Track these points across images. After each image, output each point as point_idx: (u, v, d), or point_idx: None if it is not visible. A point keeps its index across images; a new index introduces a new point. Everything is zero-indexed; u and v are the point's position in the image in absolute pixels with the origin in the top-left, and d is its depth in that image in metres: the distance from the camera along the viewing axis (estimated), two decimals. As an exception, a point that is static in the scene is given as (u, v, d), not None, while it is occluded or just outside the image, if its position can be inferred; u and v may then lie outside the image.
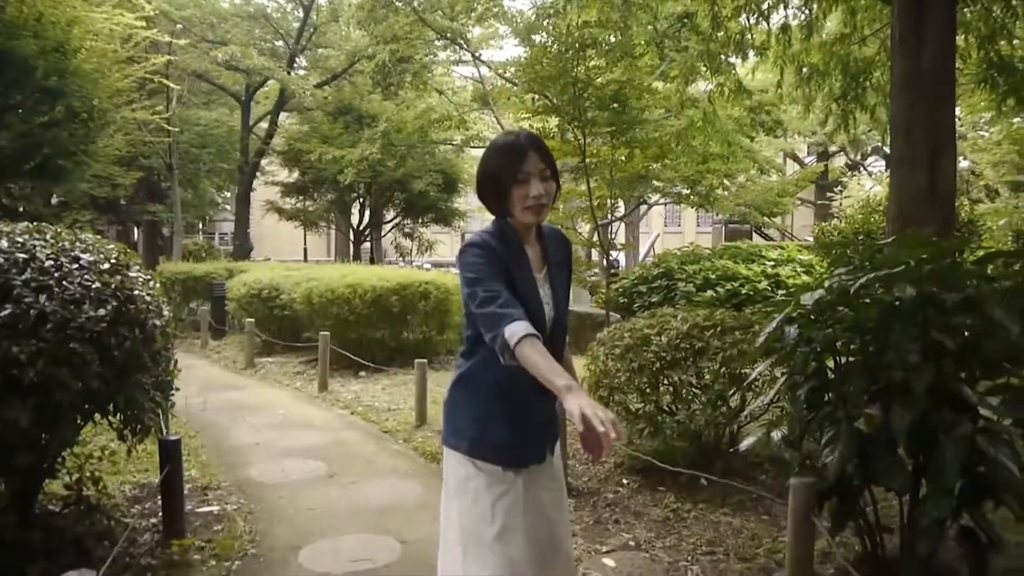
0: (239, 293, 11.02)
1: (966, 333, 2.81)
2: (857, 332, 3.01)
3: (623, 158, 9.09)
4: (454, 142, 18.90)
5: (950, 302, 2.77)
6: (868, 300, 2.93)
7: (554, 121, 10.46)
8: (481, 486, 2.09)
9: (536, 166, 2.09)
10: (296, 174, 20.53)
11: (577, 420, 1.71)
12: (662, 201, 17.10)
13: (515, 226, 2.16)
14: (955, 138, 5.57)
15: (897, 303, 2.82)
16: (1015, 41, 7.50)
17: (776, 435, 3.06)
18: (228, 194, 25.37)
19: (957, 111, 9.91)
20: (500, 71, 15.45)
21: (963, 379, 2.79)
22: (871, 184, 20.62)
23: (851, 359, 3.04)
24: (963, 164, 17.71)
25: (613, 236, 10.79)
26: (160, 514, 3.78)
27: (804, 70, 7.83)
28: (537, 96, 9.81)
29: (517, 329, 1.90)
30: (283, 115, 20.92)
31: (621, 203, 12.97)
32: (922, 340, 2.79)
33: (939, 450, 2.58)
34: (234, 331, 12.44)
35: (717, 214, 19.11)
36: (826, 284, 3.03)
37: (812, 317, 3.06)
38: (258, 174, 21.19)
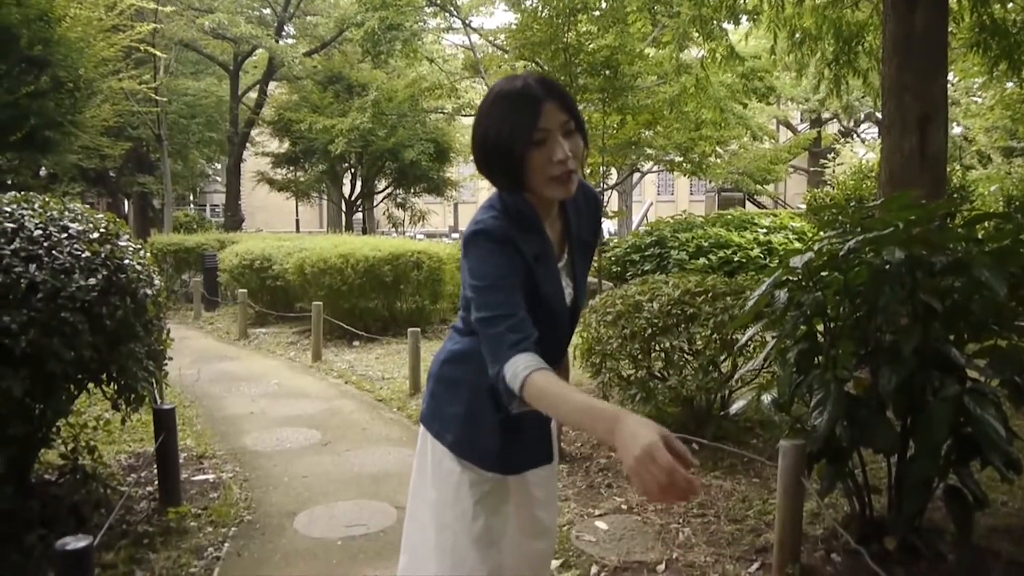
0: (231, 264, 10.98)
1: (954, 296, 2.83)
2: (846, 295, 3.02)
3: (615, 125, 9.05)
4: (445, 111, 18.75)
5: (938, 265, 2.78)
6: (857, 263, 2.94)
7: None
8: (465, 481, 1.73)
9: (557, 119, 1.53)
10: (287, 144, 20.33)
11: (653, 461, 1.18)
12: (655, 169, 17.05)
13: (532, 201, 1.63)
14: (947, 103, 5.57)
15: (886, 266, 2.83)
16: (1009, 4, 7.45)
17: (766, 398, 3.09)
18: (218, 165, 25.14)
19: (950, 76, 9.87)
20: (491, 38, 15.31)
21: (951, 341, 2.82)
22: (864, 151, 20.60)
23: (840, 322, 3.06)
24: (956, 130, 17.69)
25: (606, 204, 10.77)
26: (156, 482, 3.81)
27: (797, 35, 7.77)
28: (528, 62, 9.73)
29: (519, 366, 1.44)
30: (272, 84, 20.67)
31: (614, 171, 12.93)
32: (910, 302, 2.82)
33: (927, 411, 2.62)
34: (227, 302, 12.42)
35: (710, 182, 19.08)
36: (815, 247, 3.04)
37: (801, 281, 3.07)
38: (248, 145, 20.99)
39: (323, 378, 7.12)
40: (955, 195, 10.54)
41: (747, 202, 23.80)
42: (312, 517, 3.72)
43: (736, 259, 8.01)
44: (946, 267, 2.78)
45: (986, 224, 3.37)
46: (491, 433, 1.71)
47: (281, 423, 5.48)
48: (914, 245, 2.80)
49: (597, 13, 8.77)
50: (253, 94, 20.79)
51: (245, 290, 9.97)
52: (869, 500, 3.07)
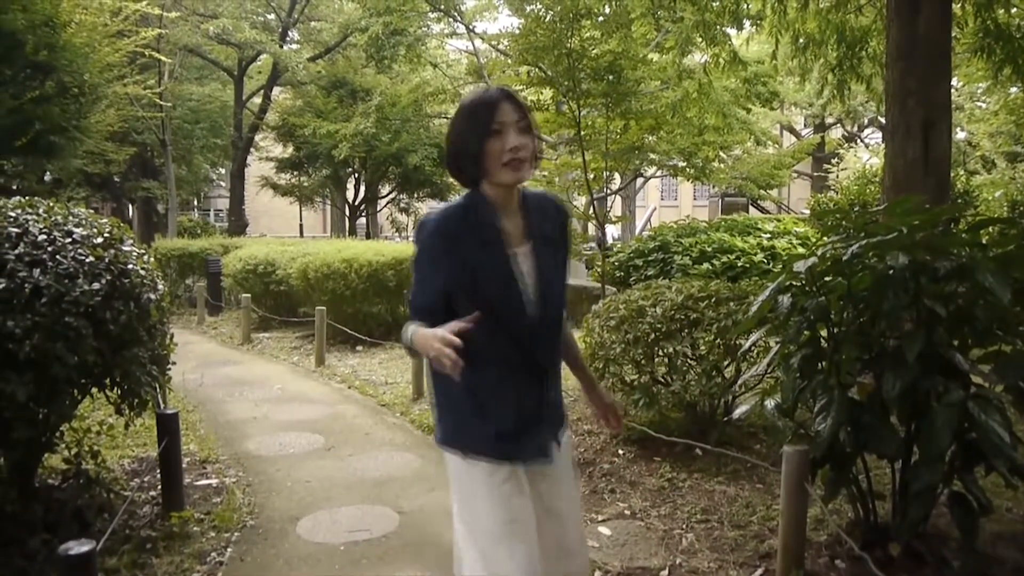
0: (235, 269, 11.00)
1: (958, 301, 2.82)
2: (850, 300, 3.02)
3: (618, 130, 9.04)
4: (448, 116, 18.78)
5: (942, 270, 2.78)
6: (861, 268, 2.94)
7: (548, 93, 10.37)
8: (479, 477, 1.91)
9: (511, 116, 1.88)
10: (291, 149, 20.39)
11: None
12: (658, 174, 17.05)
13: (489, 195, 1.93)
14: (951, 107, 5.56)
15: (890, 271, 2.83)
16: (1013, 9, 7.44)
17: (769, 404, 3.08)
18: (223, 170, 25.20)
19: (954, 81, 9.85)
20: (494, 43, 15.34)
21: (955, 346, 2.81)
22: (868, 156, 20.57)
23: (844, 327, 3.06)
24: (960, 135, 17.66)
25: (609, 209, 10.77)
26: (159, 487, 3.81)
27: (800, 40, 7.77)
28: (531, 68, 9.74)
29: (410, 329, 1.87)
30: (276, 90, 20.73)
31: (617, 176, 12.93)
32: (914, 308, 2.81)
33: (931, 417, 2.61)
34: (230, 307, 12.44)
35: (713, 187, 19.06)
36: (819, 252, 3.03)
37: (805, 286, 3.07)
38: (252, 150, 21.04)
39: (326, 383, 7.12)
40: (959, 200, 10.51)
41: (751, 207, 23.79)
42: (315, 522, 3.72)
43: (739, 264, 7.99)
44: (950, 272, 2.77)
45: (990, 229, 3.37)
46: (493, 413, 1.93)
47: (284, 428, 5.48)
48: (918, 250, 2.79)
49: (601, 18, 8.78)
50: (257, 99, 20.84)
51: (249, 295, 9.97)
52: (873, 506, 3.06)
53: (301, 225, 33.09)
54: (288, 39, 20.24)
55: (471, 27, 16.11)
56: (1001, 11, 6.84)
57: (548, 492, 2.01)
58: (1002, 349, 2.77)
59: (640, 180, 18.10)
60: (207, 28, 17.23)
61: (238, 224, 19.55)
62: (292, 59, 18.46)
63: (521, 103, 1.91)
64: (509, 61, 13.95)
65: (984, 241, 2.90)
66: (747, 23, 8.52)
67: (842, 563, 2.99)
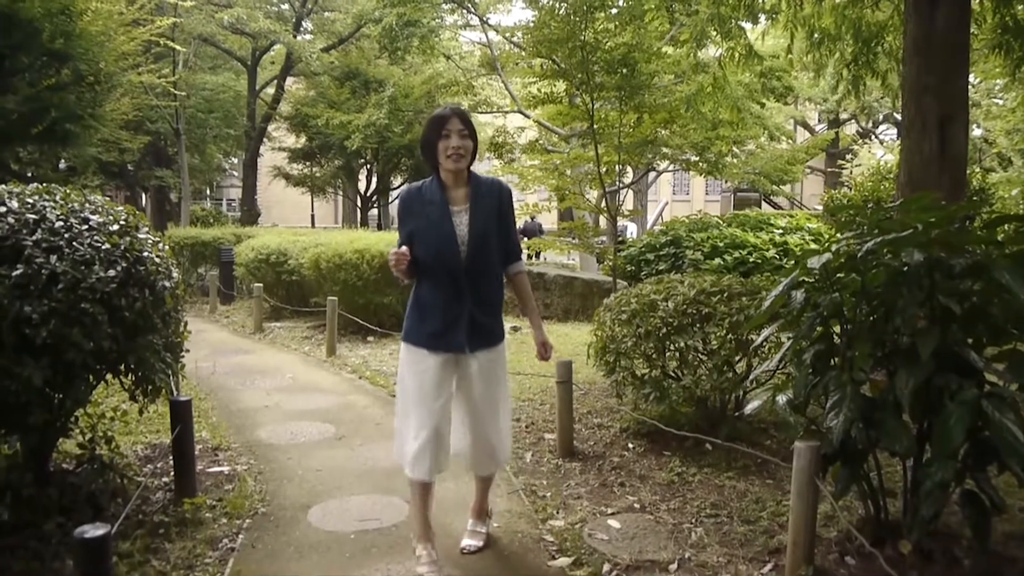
0: (247, 258, 11.05)
1: (973, 299, 2.80)
2: (864, 297, 3.00)
3: (631, 123, 9.02)
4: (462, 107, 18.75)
5: (958, 267, 2.76)
6: (875, 265, 2.92)
7: (562, 85, 10.35)
8: (411, 360, 3.06)
9: (456, 126, 2.93)
10: (303, 140, 20.43)
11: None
12: (671, 168, 16.99)
13: (442, 175, 3.02)
14: (967, 104, 5.51)
15: (904, 268, 2.81)
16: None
17: (781, 399, 3.07)
18: (235, 160, 25.28)
19: (971, 77, 9.75)
20: (508, 35, 15.29)
21: (969, 344, 2.79)
22: (882, 152, 20.42)
23: (857, 324, 3.04)
24: (976, 132, 17.51)
25: (621, 203, 10.73)
26: (172, 473, 3.84)
27: (815, 35, 7.71)
28: (545, 60, 9.71)
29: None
30: (290, 80, 20.77)
31: (629, 170, 12.90)
32: (928, 305, 2.80)
33: (944, 414, 2.59)
34: (242, 296, 12.51)
35: (726, 182, 18.97)
36: (833, 248, 3.02)
37: (818, 282, 3.06)
38: (265, 140, 21.11)
39: (337, 372, 7.15)
40: (975, 197, 10.43)
41: (763, 203, 23.66)
42: (326, 510, 3.74)
43: (751, 260, 7.97)
44: (965, 269, 2.75)
45: (1006, 227, 3.34)
46: (426, 319, 3.02)
47: (295, 417, 5.51)
48: (933, 247, 2.77)
49: (615, 11, 8.74)
50: (271, 89, 20.90)
51: (261, 284, 10.03)
52: (884, 503, 3.05)
53: (313, 215, 33.19)
54: (302, 29, 20.27)
55: (485, 19, 16.09)
56: (1020, 7, 6.77)
57: (468, 385, 3.06)
58: (1017, 347, 2.75)
59: (652, 174, 18.06)
60: (221, 17, 17.27)
61: (250, 214, 19.63)
62: (306, 49, 18.49)
63: (466, 117, 2.99)
64: (523, 53, 13.93)
65: (1000, 239, 2.87)
66: (762, 17, 8.46)
67: (852, 560, 2.98)
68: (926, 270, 2.77)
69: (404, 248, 2.89)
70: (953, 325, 2.76)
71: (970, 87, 7.95)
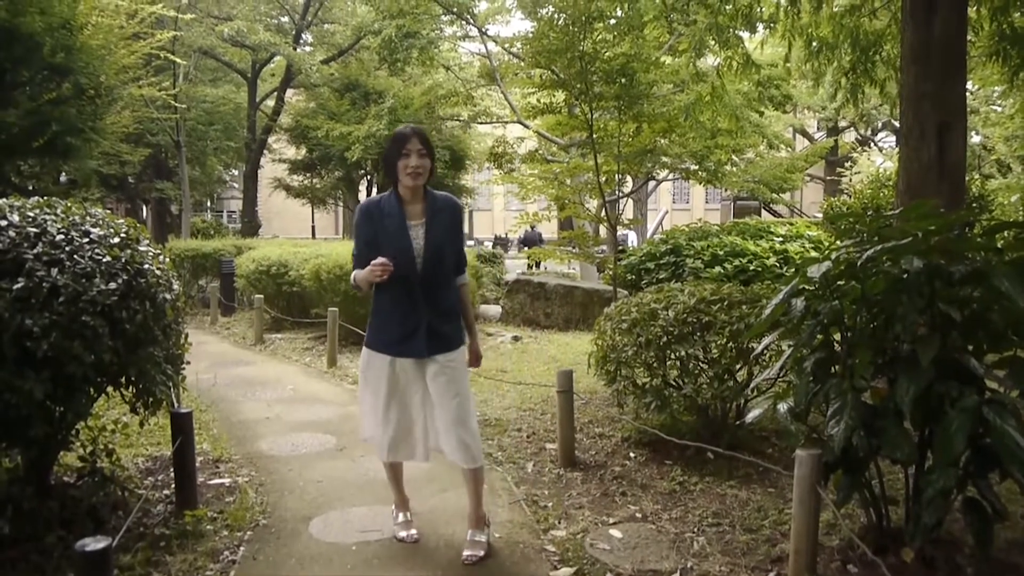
0: (248, 270, 11.06)
1: (973, 305, 2.81)
2: (864, 304, 3.01)
3: (630, 132, 9.03)
4: (461, 118, 18.81)
5: (957, 274, 2.76)
6: (875, 272, 2.93)
7: (561, 96, 10.37)
8: (371, 365, 3.31)
9: (415, 146, 3.15)
10: (303, 151, 20.48)
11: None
12: (670, 177, 17.02)
13: (401, 190, 3.24)
14: (965, 111, 5.52)
15: (904, 275, 2.81)
16: (1030, 13, 7.38)
17: (782, 407, 3.07)
18: (236, 172, 25.35)
19: (969, 84, 9.78)
20: (507, 46, 15.34)
21: (970, 351, 2.79)
22: (881, 159, 20.46)
23: (857, 331, 3.04)
24: (975, 138, 17.54)
25: (620, 212, 10.75)
26: (173, 486, 3.83)
27: (813, 44, 7.74)
28: (544, 70, 9.74)
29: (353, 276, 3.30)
30: (290, 92, 20.84)
31: (629, 179, 12.92)
32: (929, 312, 2.80)
33: (945, 421, 2.59)
34: (243, 308, 12.51)
35: (726, 190, 18.99)
36: (833, 256, 3.02)
37: (818, 290, 3.06)
38: (265, 151, 21.16)
39: (338, 384, 7.15)
40: (974, 204, 10.44)
41: (763, 211, 23.69)
42: (327, 522, 3.73)
43: (752, 268, 7.97)
44: (965, 277, 2.75)
45: (1006, 234, 3.34)
46: (385, 327, 3.28)
47: (296, 428, 5.50)
48: (932, 254, 2.78)
49: (613, 21, 8.77)
50: (271, 101, 20.97)
51: (261, 296, 10.03)
52: (886, 511, 3.04)
53: (313, 227, 33.23)
54: (302, 41, 20.35)
55: (484, 30, 16.16)
56: (1017, 15, 6.80)
57: (430, 386, 3.22)
58: (1017, 354, 2.75)
59: (652, 183, 18.08)
60: (221, 30, 17.35)
61: (251, 225, 19.66)
62: (305, 61, 18.57)
63: (424, 137, 3.20)
64: (522, 64, 13.98)
65: (1000, 245, 2.88)
66: (760, 26, 8.48)
67: (855, 568, 2.97)
68: (926, 277, 2.78)
69: (383, 259, 3.07)
70: (953, 332, 2.76)
71: (968, 94, 7.98)
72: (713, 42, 8.05)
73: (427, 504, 3.92)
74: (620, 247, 9.27)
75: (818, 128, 26.91)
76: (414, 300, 3.19)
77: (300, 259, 9.94)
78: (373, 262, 3.06)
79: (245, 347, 9.54)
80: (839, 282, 3.03)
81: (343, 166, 18.82)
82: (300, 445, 5.09)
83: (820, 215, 15.68)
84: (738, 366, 4.33)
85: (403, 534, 3.49)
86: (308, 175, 21.57)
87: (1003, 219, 10.68)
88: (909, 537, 2.86)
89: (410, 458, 3.40)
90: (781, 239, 8.83)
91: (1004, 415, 2.52)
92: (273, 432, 5.41)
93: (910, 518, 2.89)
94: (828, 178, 23.59)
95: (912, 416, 2.79)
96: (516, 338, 8.61)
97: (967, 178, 6.36)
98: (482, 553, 3.27)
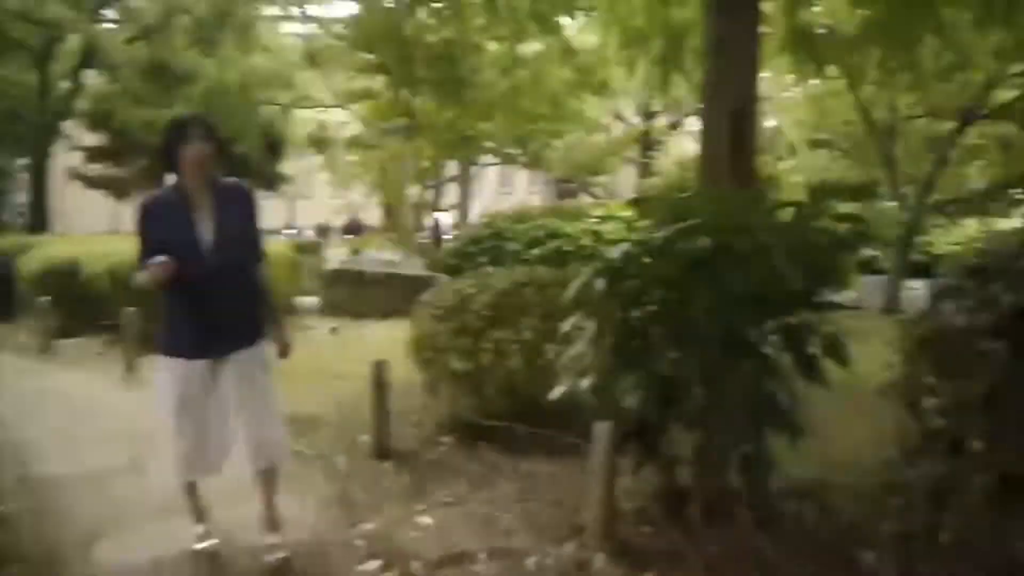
0: (33, 270, 9.95)
1: (754, 280, 2.98)
2: (660, 283, 3.13)
3: (451, 118, 9.00)
4: (280, 102, 18.00)
5: (742, 252, 2.93)
6: (670, 252, 3.06)
7: (383, 80, 10.15)
8: (169, 368, 3.03)
9: (197, 132, 2.90)
10: (105, 138, 18.75)
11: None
12: (492, 162, 17.21)
13: (183, 181, 2.95)
14: (756, 99, 5.91)
15: (695, 254, 2.96)
16: (814, 9, 8.00)
17: (584, 383, 3.15)
18: (22, 162, 22.79)
19: (765, 73, 10.51)
20: (329, 29, 14.83)
21: (751, 320, 2.98)
22: (690, 142, 21.72)
23: (654, 308, 3.17)
24: (771, 123, 19.00)
25: (441, 198, 10.70)
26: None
27: (628, 33, 7.98)
28: (367, 54, 9.49)
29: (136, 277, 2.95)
30: (91, 73, 18.99)
31: (452, 165, 12.91)
32: (716, 287, 2.95)
33: (724, 387, 2.75)
34: (28, 313, 11.20)
35: (548, 173, 19.43)
36: (632, 238, 3.15)
37: (620, 270, 3.16)
38: (63, 139, 19.20)
39: (135, 391, 6.51)
40: (767, 185, 11.29)
41: (582, 194, 24.46)
42: (117, 543, 3.40)
43: (567, 249, 8.19)
44: (748, 253, 2.92)
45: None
46: (185, 328, 3.00)
47: (85, 444, 4.94)
48: (721, 234, 2.93)
49: (438, 5, 8.65)
50: (65, 83, 19.01)
51: (48, 298, 9.04)
52: (675, 473, 3.20)
53: (116, 222, 30.62)
54: (103, 17, 18.59)
55: (302, 10, 15.53)
56: (804, 14, 7.34)
57: (231, 385, 3.01)
58: (788, 322, 2.95)
59: (475, 168, 18.21)
60: (3, 2, 15.49)
61: (40, 220, 17.82)
62: (107, 40, 16.95)
63: (206, 122, 2.99)
64: (345, 47, 13.56)
65: (784, 224, 3.09)
66: (580, 14, 8.66)
67: (649, 528, 3.11)
68: (712, 255, 2.93)
69: (163, 258, 2.78)
70: (736, 305, 2.92)
71: (766, 81, 8.56)
72: (534, 27, 8.14)
73: (227, 513, 3.64)
74: (440, 233, 9.22)
75: (636, 112, 28.18)
76: (206, 298, 2.96)
77: (94, 256, 9.07)
78: (150, 262, 2.78)
79: (29, 357, 8.53)
80: (643, 260, 3.14)
81: (149, 154, 17.42)
82: (88, 462, 4.59)
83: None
84: (548, 346, 4.37)
85: (201, 545, 3.25)
86: (110, 164, 19.77)
87: (790, 198, 11.65)
88: (696, 494, 3.02)
89: (208, 473, 3.15)
90: (597, 220, 9.12)
91: (776, 381, 2.71)
92: (57, 450, 4.84)
93: (697, 477, 3.06)
94: (642, 161, 24.77)
95: (699, 384, 2.94)
96: (334, 329, 8.36)
97: (762, 160, 6.85)
98: (283, 554, 3.10)
